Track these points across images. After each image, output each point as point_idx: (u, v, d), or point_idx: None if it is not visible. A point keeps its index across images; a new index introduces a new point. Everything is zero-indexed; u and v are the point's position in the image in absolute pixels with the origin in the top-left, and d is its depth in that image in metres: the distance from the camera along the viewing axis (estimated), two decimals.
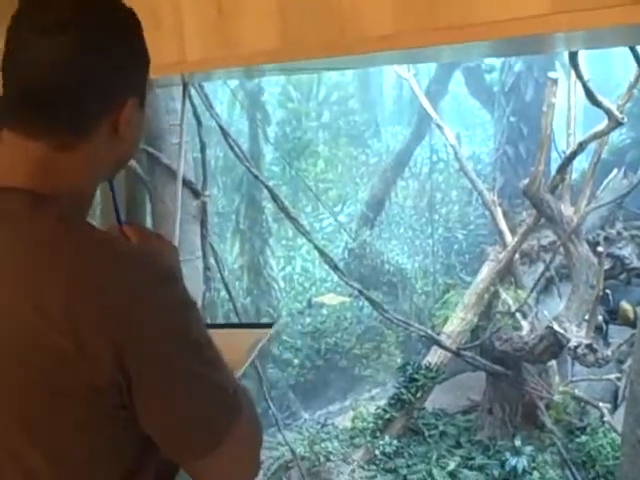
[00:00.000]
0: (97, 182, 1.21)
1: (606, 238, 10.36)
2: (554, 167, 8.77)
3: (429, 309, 11.64)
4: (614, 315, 9.58)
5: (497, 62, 12.75)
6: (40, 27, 1.08)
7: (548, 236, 10.34)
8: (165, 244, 1.34)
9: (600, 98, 6.85)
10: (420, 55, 1.84)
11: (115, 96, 1.13)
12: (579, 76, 6.64)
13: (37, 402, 1.06)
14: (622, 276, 10.15)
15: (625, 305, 10.44)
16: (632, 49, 4.73)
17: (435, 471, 8.46)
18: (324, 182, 11.95)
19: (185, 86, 5.90)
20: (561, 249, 8.70)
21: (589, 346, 7.39)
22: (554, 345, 8.28)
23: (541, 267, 10.27)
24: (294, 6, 1.70)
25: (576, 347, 7.46)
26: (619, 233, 10.76)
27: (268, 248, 10.66)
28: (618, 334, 9.92)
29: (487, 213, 12.33)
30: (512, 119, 12.44)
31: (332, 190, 12.07)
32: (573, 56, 6.56)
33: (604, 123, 7.28)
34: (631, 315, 10.46)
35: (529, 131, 12.59)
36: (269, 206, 10.42)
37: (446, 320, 11.04)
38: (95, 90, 1.10)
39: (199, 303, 5.93)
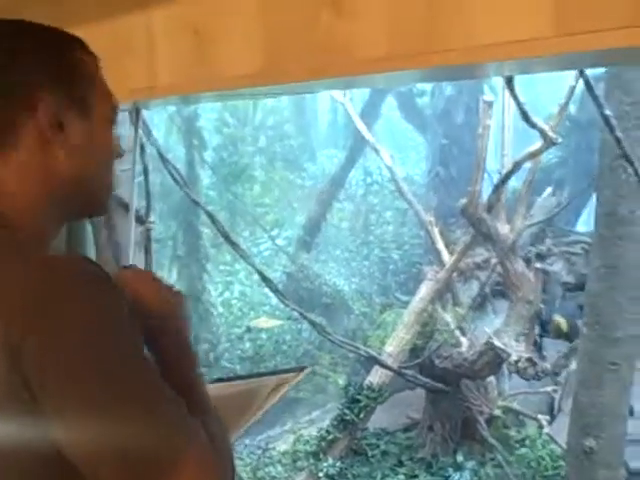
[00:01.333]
0: (50, 197, 1.14)
1: (537, 255, 10.67)
2: (485, 187, 9.01)
3: (365, 330, 11.75)
4: (548, 329, 9.84)
5: (428, 86, 13.06)
6: None
7: (482, 254, 10.62)
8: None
9: (535, 119, 7.09)
10: (410, 77, 1.87)
11: (24, 101, 1.11)
12: (514, 97, 6.85)
13: None
14: (554, 291, 10.47)
15: (559, 318, 10.76)
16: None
17: None
18: (261, 206, 11.98)
19: (137, 111, 5.86)
20: (498, 266, 8.91)
21: (529, 359, 7.59)
22: (494, 360, 8.44)
23: (475, 284, 10.52)
24: (277, 28, 1.70)
25: (517, 361, 7.64)
26: (549, 249, 11.10)
27: (206, 274, 10.59)
28: (552, 347, 10.20)
29: (422, 233, 12.58)
30: (444, 141, 12.74)
31: (269, 214, 12.11)
32: (509, 79, 6.78)
33: (538, 143, 7.53)
34: (564, 328, 10.78)
35: (460, 153, 12.93)
36: (206, 231, 10.37)
37: (382, 340, 11.15)
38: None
39: None
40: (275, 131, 12.47)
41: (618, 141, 4.83)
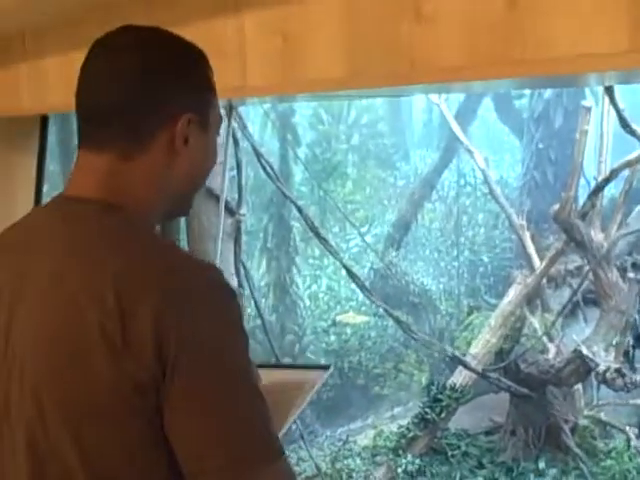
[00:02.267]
0: (164, 199, 1.26)
1: (634, 264, 10.35)
2: (581, 193, 8.85)
3: (452, 330, 11.69)
4: None
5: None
6: (104, 47, 1.23)
7: (575, 261, 10.36)
8: None
9: (634, 126, 6.94)
10: (488, 85, 1.90)
11: (169, 111, 1.21)
12: (614, 104, 6.74)
13: (82, 401, 1.09)
14: None
15: None
16: None
17: None
18: (352, 203, 12.08)
19: (231, 108, 6.07)
20: (590, 274, 8.74)
21: (618, 370, 7.43)
22: (581, 368, 8.30)
23: (567, 291, 10.28)
24: (361, 35, 1.75)
25: (605, 371, 7.49)
26: None
27: (294, 267, 10.77)
28: None
29: (513, 237, 12.40)
30: (540, 145, 12.52)
31: (359, 211, 12.19)
32: (609, 86, 6.66)
33: (638, 151, 7.36)
34: None
35: (557, 157, 12.66)
36: (297, 225, 10.53)
37: (469, 342, 11.07)
38: (148, 103, 1.20)
39: None
40: (369, 129, 12.54)
41: None
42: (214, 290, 1.12)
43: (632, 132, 7.13)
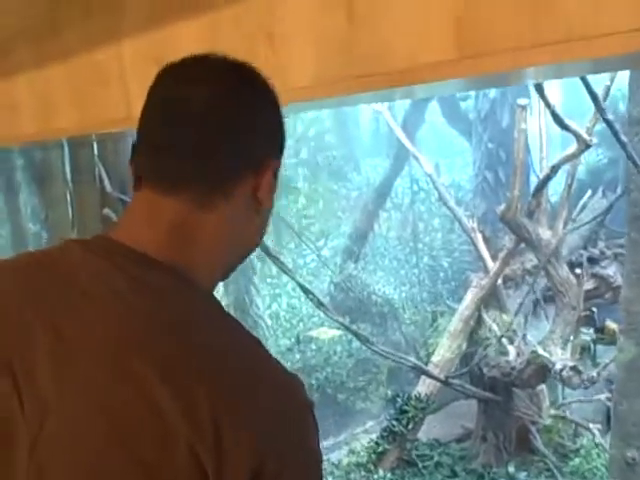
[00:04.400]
0: (229, 261, 1.08)
1: (589, 258, 10.41)
2: (530, 191, 8.87)
3: (420, 338, 11.65)
4: (601, 335, 9.58)
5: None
6: (188, 78, 1.05)
7: (532, 260, 10.36)
8: None
9: (568, 122, 6.96)
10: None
11: (257, 154, 1.05)
12: (545, 101, 6.76)
13: None
14: (607, 295, 10.17)
15: (611, 324, 10.46)
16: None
17: None
18: (306, 218, 12.02)
19: None
20: (543, 272, 8.75)
21: (574, 368, 7.41)
22: (540, 369, 8.29)
23: (525, 291, 10.30)
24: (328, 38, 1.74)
25: (561, 370, 7.47)
26: (602, 252, 10.81)
27: (253, 287, 10.68)
28: (606, 354, 9.92)
29: (469, 240, 12.41)
30: (490, 145, 12.55)
31: (314, 225, 12.13)
32: (539, 84, 6.67)
33: (574, 146, 7.39)
34: (617, 334, 10.48)
35: (507, 157, 12.69)
36: None
37: (435, 348, 11.02)
38: (239, 143, 1.03)
39: None
40: (317, 142, 12.50)
41: None
42: (307, 412, 1.01)
43: (566, 128, 7.15)
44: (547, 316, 10.10)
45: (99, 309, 0.92)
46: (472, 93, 12.87)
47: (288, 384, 0.99)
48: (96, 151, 6.26)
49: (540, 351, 7.70)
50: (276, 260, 8.04)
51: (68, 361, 0.90)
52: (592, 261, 10.34)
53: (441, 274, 12.43)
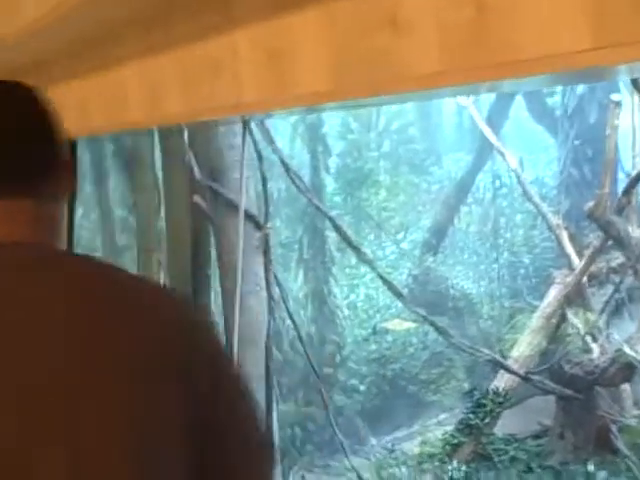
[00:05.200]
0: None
1: None
2: (620, 189, 8.72)
3: (497, 333, 11.55)
4: None
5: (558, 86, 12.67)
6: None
7: (618, 258, 10.15)
8: None
9: None
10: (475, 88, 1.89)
11: (49, 154, 1.24)
12: None
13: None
14: None
15: None
16: None
17: None
18: (386, 210, 12.04)
19: (245, 123, 6.14)
20: (631, 271, 8.59)
21: None
22: (626, 368, 8.15)
23: (611, 289, 10.10)
24: (345, 48, 1.78)
25: None
26: None
27: (331, 277, 10.77)
28: None
29: (553, 237, 12.21)
30: (576, 142, 12.32)
31: (394, 218, 12.14)
32: (635, 78, 6.54)
33: None
34: None
35: (594, 153, 12.42)
36: (332, 235, 10.53)
37: (513, 345, 10.92)
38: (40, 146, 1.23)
39: (264, 332, 6.10)
40: (399, 135, 12.49)
41: None
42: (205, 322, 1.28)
43: None
44: (631, 316, 9.90)
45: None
46: (558, 89, 12.66)
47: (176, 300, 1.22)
48: (186, 139, 6.44)
49: (627, 350, 7.55)
50: (357, 251, 8.13)
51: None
52: None
53: (521, 270, 12.27)
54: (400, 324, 10.93)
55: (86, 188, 9.62)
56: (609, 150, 7.99)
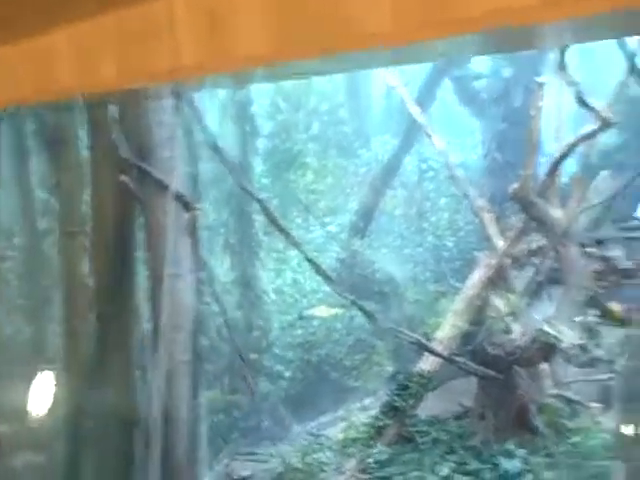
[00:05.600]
0: None
1: (595, 240, 10.44)
2: (543, 171, 8.84)
3: (421, 317, 11.65)
4: (604, 316, 9.62)
5: (485, 69, 12.80)
6: None
7: (538, 240, 10.39)
8: None
9: (589, 100, 6.94)
10: (413, 54, 1.84)
11: None
12: (568, 79, 6.72)
13: None
14: (612, 277, 10.21)
15: (614, 306, 10.50)
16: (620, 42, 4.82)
17: (429, 478, 8.43)
18: (314, 193, 11.95)
19: (178, 96, 5.96)
20: (551, 252, 8.78)
21: (581, 347, 7.44)
22: (546, 347, 8.33)
23: (531, 271, 10.31)
24: (289, 6, 1.71)
25: (568, 348, 7.50)
26: (608, 235, 10.85)
27: (258, 261, 10.63)
28: (609, 334, 9.96)
29: (477, 220, 12.39)
30: (501, 125, 12.51)
31: (322, 201, 12.08)
32: (562, 58, 6.65)
33: (593, 125, 7.37)
34: (619, 315, 10.52)
35: (518, 137, 12.65)
36: (259, 219, 10.40)
37: (438, 326, 11.03)
38: None
39: (191, 318, 5.96)
40: (329, 117, 12.41)
41: None
42: None
43: (587, 106, 7.13)
44: (550, 297, 10.14)
45: None
46: (485, 72, 12.82)
47: None
48: (113, 115, 6.19)
49: (547, 329, 7.72)
50: (285, 233, 8.02)
51: None
52: (597, 243, 10.35)
53: (445, 253, 12.42)
54: (324, 310, 10.90)
55: (3, 169, 9.20)
56: (533, 132, 8.10)
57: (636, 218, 12.11)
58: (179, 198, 5.81)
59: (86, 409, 6.15)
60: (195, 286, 6.02)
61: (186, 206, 5.95)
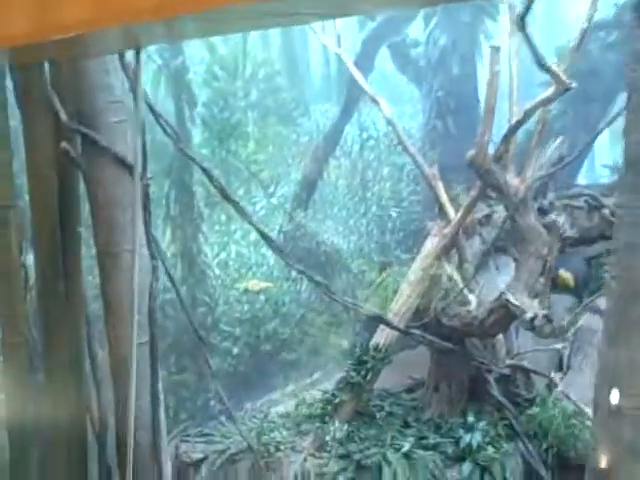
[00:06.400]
0: None
1: (539, 209, 10.35)
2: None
3: (365, 289, 11.45)
4: (555, 284, 9.57)
5: (422, 36, 12.61)
6: None
7: (483, 209, 10.26)
8: None
9: (548, 63, 6.72)
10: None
11: None
12: (528, 41, 6.47)
13: None
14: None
15: (564, 273, 10.51)
16: None
17: (389, 453, 8.22)
18: (255, 163, 11.54)
19: (122, 58, 5.41)
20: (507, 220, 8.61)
21: (546, 317, 7.29)
22: (505, 318, 8.18)
23: (477, 240, 10.17)
24: None
25: (532, 319, 7.34)
26: (551, 203, 10.80)
27: (201, 234, 10.18)
28: (559, 302, 9.96)
29: (419, 189, 12.22)
30: (439, 94, 12.37)
31: (263, 171, 11.68)
32: (521, 18, 6.39)
33: (550, 90, 7.18)
34: (571, 283, 10.54)
35: (457, 105, 12.53)
36: (200, 190, 9.95)
37: (384, 300, 10.82)
38: None
39: (146, 295, 5.44)
40: (267, 84, 11.99)
41: None
42: None
43: (547, 69, 6.91)
44: (497, 267, 10.03)
45: None
46: (422, 40, 12.66)
47: None
48: (48, 75, 5.59)
49: (511, 299, 7.54)
50: (234, 203, 7.57)
51: None
52: (542, 211, 10.28)
53: (389, 224, 12.25)
54: (256, 285, 10.60)
55: None
56: (489, 97, 7.88)
57: (577, 185, 12.19)
58: (128, 167, 5.27)
59: (30, 404, 5.60)
60: (149, 262, 5.52)
61: (135, 176, 5.37)
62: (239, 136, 11.18)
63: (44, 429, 5.61)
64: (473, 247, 9.88)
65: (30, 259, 5.99)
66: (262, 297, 10.45)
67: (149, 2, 1.70)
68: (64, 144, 5.54)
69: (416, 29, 12.64)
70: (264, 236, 7.76)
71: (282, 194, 11.84)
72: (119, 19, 1.66)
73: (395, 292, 9.33)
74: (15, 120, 5.84)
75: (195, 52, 10.96)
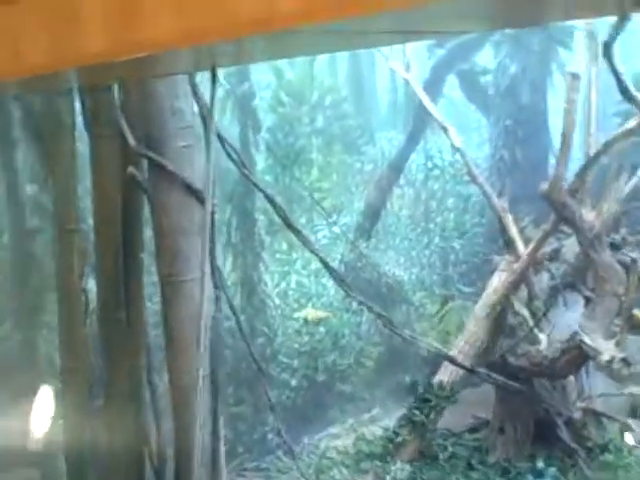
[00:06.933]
0: None
1: (611, 244, 9.92)
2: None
3: (426, 323, 11.14)
4: (630, 324, 9.10)
5: (492, 64, 12.35)
6: None
7: (552, 243, 9.88)
8: None
9: (635, 92, 6.36)
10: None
11: None
12: (613, 68, 6.12)
13: None
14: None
15: (639, 313, 10.01)
16: None
17: None
18: (319, 191, 11.36)
19: (193, 82, 5.27)
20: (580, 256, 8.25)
21: (624, 360, 6.88)
22: (578, 359, 7.78)
23: (545, 276, 9.78)
24: None
25: (609, 361, 6.93)
26: (624, 238, 10.36)
27: (261, 263, 10.01)
28: (634, 344, 9.48)
29: (484, 221, 11.87)
30: (508, 122, 12.07)
31: (327, 199, 11.48)
32: (607, 46, 6.06)
33: (635, 120, 6.83)
34: None
35: (525, 134, 12.21)
36: (261, 218, 9.81)
37: (446, 335, 10.50)
38: None
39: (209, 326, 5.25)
40: (333, 111, 11.85)
41: None
42: None
43: (631, 99, 6.54)
44: (566, 303, 9.61)
45: None
46: (491, 67, 12.40)
47: None
48: (117, 99, 5.50)
49: (586, 339, 7.15)
50: (296, 232, 7.37)
51: None
52: (614, 247, 9.84)
53: (452, 256, 11.93)
54: (312, 314, 10.36)
55: None
56: (567, 126, 7.52)
57: None
58: (194, 193, 5.11)
59: (87, 430, 5.46)
60: (212, 292, 5.32)
61: (201, 202, 5.22)
62: (303, 163, 11.06)
63: (101, 456, 5.47)
64: (541, 283, 9.51)
65: (91, 283, 5.89)
66: (322, 329, 10.20)
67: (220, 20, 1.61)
68: (131, 169, 5.42)
69: (485, 57, 12.40)
70: (326, 265, 7.55)
71: (344, 223, 11.62)
72: (192, 39, 1.67)
73: (458, 327, 9.00)
74: (82, 143, 5.77)
75: (262, 77, 10.90)
